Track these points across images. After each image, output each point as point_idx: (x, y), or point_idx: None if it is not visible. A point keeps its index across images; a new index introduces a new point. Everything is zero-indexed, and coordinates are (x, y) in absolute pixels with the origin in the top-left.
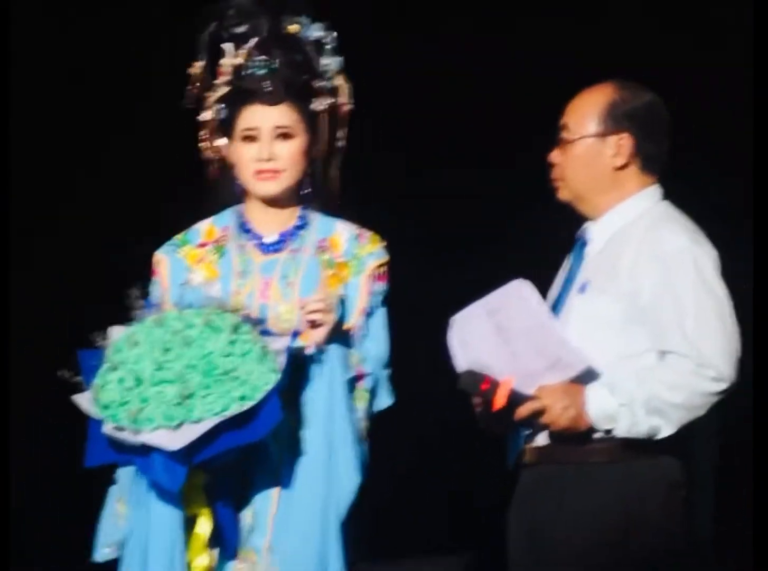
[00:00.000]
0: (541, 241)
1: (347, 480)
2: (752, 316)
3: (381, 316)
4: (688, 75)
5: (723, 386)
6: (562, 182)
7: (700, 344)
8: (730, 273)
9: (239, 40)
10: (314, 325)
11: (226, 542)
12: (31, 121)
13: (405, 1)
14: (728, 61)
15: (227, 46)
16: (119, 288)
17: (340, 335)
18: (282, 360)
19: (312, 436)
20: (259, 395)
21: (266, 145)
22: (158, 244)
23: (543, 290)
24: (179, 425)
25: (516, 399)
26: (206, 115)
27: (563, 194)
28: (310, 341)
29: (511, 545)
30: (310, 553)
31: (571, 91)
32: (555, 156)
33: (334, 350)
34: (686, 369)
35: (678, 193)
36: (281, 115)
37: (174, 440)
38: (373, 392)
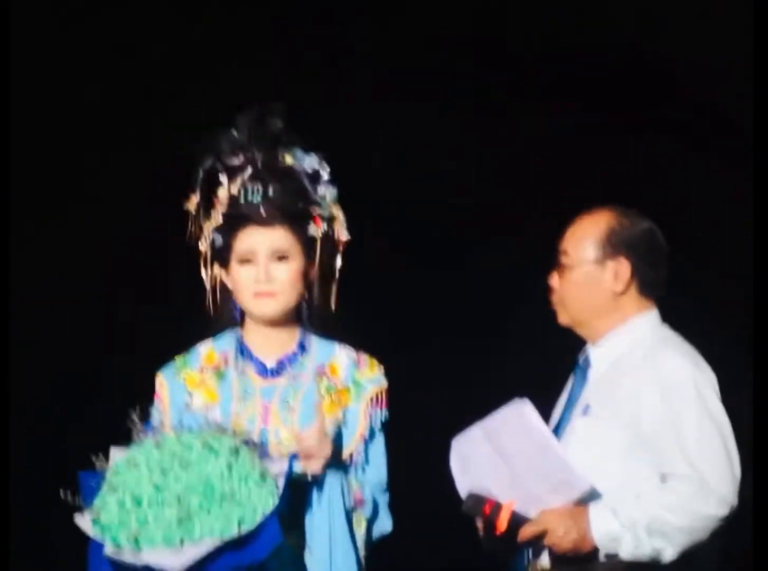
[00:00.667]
0: (541, 363)
1: None
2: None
3: (380, 442)
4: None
5: (725, 510)
6: (561, 307)
7: (703, 468)
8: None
9: (234, 172)
10: (309, 456)
11: None
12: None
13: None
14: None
15: (222, 178)
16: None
17: (338, 462)
18: (281, 483)
19: (314, 562)
20: (257, 519)
21: (264, 267)
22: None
23: (543, 412)
24: (180, 546)
25: (518, 522)
26: (202, 245)
27: (562, 319)
28: (305, 469)
29: None
30: None
31: (569, 213)
32: (554, 281)
33: (333, 477)
34: (689, 493)
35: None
36: (277, 237)
37: (175, 561)
38: (371, 519)
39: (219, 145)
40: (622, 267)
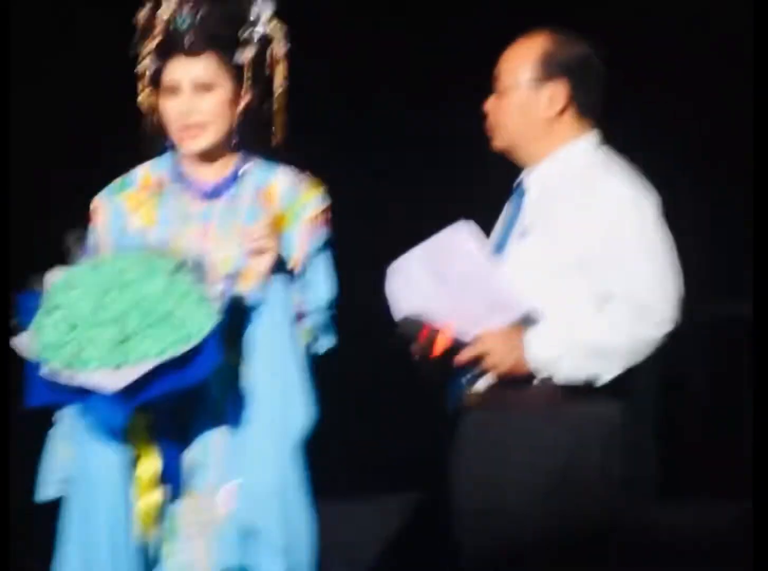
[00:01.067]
0: (481, 190)
1: (303, 413)
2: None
3: (324, 259)
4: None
5: (664, 329)
6: (497, 131)
7: (641, 289)
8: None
9: None
10: (259, 253)
11: (171, 482)
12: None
13: None
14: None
15: None
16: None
17: (281, 273)
18: (221, 302)
19: (258, 372)
20: (197, 338)
21: (186, 100)
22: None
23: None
24: (118, 367)
25: (455, 345)
26: (139, 68)
27: (498, 143)
28: (254, 269)
29: (454, 489)
30: (269, 484)
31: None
32: (490, 105)
33: (275, 288)
34: (628, 314)
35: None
36: (201, 67)
37: (113, 382)
38: (314, 332)
39: None
40: (558, 90)
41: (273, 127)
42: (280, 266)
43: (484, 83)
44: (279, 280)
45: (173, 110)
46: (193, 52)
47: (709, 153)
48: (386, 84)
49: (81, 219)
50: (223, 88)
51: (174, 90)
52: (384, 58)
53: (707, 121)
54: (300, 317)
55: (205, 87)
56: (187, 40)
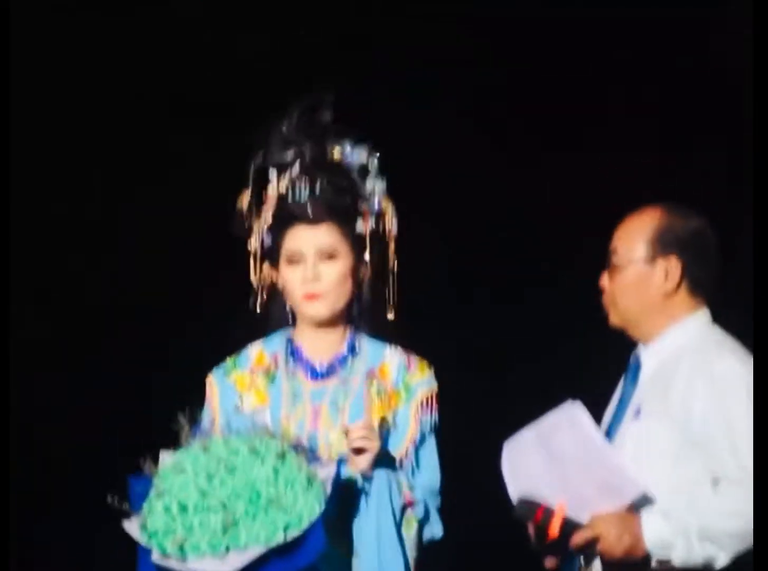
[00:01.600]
0: (594, 366)
1: None
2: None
3: (431, 445)
4: None
5: None
6: (612, 308)
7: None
8: None
9: (283, 168)
10: (358, 451)
11: None
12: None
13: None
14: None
15: (272, 173)
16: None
17: (387, 463)
18: (328, 488)
19: (364, 565)
20: (303, 525)
21: (311, 267)
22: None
23: (595, 415)
24: (226, 553)
25: (570, 527)
26: (253, 243)
27: (614, 319)
28: (354, 467)
29: None
30: None
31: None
32: (605, 281)
33: (382, 478)
34: (740, 497)
35: None
36: (324, 235)
37: (220, 567)
38: (422, 522)
39: (269, 140)
40: (673, 266)
41: (386, 304)
42: (384, 460)
43: (600, 256)
44: (384, 471)
45: (296, 278)
46: (316, 220)
47: None
48: (488, 257)
49: None
50: (346, 258)
51: (297, 259)
52: (488, 233)
53: None
54: (408, 505)
55: (329, 255)
56: (309, 210)
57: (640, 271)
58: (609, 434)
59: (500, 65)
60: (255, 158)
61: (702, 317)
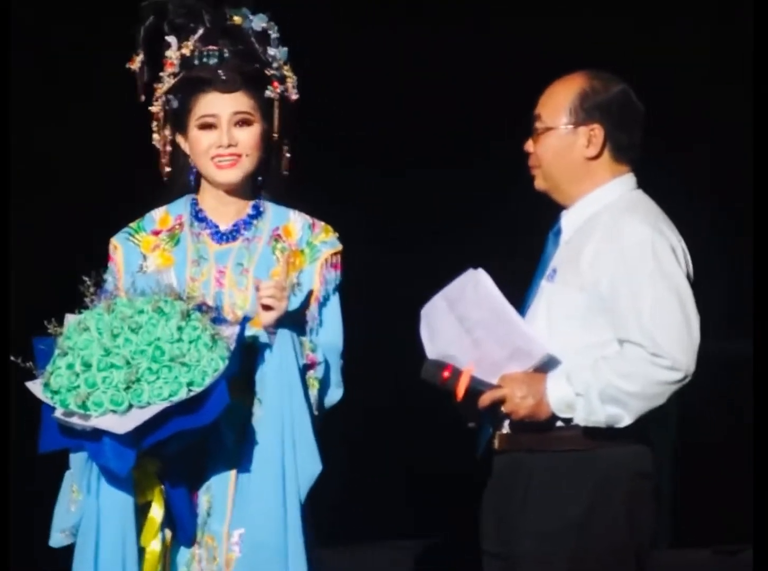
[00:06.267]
0: (519, 230)
1: (309, 464)
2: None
3: (335, 305)
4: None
5: (679, 375)
6: (537, 171)
7: (654, 334)
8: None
9: (182, 33)
10: (266, 308)
11: (182, 527)
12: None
13: None
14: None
15: (171, 39)
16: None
17: (292, 322)
18: (232, 346)
19: (268, 418)
20: (206, 381)
21: (226, 132)
22: (113, 231)
23: (522, 279)
24: (128, 410)
25: (478, 388)
26: (156, 107)
27: (539, 184)
28: (262, 320)
29: (481, 530)
30: (271, 535)
31: (547, 78)
32: (529, 146)
33: (286, 335)
34: (640, 358)
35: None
36: (239, 101)
37: (122, 424)
38: (324, 381)
39: (163, 3)
40: (595, 131)
41: (286, 170)
42: (288, 317)
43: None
44: (288, 329)
45: (209, 142)
46: (231, 87)
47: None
48: (406, 126)
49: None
50: (258, 123)
51: (211, 124)
52: (405, 101)
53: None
54: (311, 365)
55: (243, 121)
56: (223, 76)
57: (563, 137)
58: (527, 296)
59: None
60: (146, 22)
61: (624, 181)
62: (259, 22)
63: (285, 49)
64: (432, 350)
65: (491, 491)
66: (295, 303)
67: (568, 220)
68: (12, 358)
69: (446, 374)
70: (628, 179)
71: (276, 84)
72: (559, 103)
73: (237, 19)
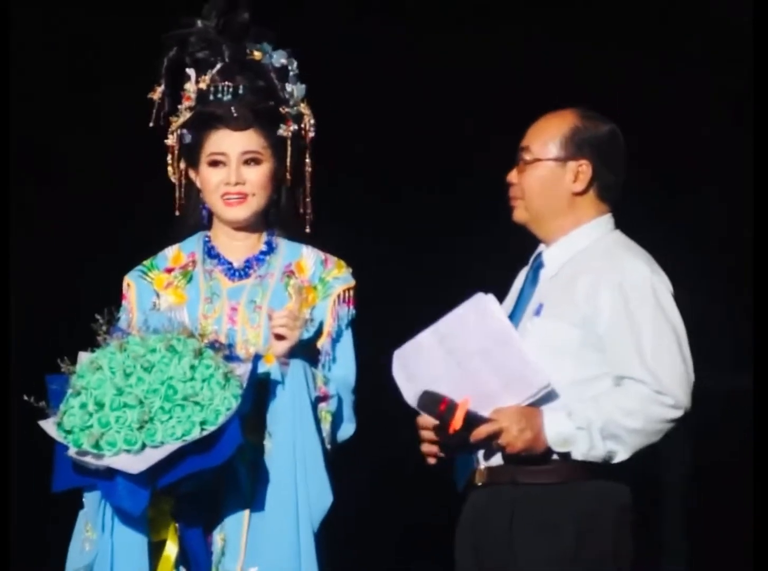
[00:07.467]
0: (496, 262)
1: (320, 498)
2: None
3: (348, 340)
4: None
5: (679, 413)
6: (519, 202)
7: (658, 372)
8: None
9: (202, 66)
10: (279, 337)
11: (197, 565)
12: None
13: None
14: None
15: (191, 71)
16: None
17: (304, 355)
18: (244, 383)
19: (279, 450)
20: (219, 420)
21: (234, 170)
22: (128, 268)
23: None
24: (141, 449)
25: (473, 420)
26: (171, 140)
27: (519, 215)
28: (274, 350)
29: (459, 564)
30: (285, 568)
31: (532, 113)
32: (513, 176)
33: (299, 366)
34: (644, 395)
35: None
36: (249, 140)
37: (136, 464)
38: (336, 415)
39: (185, 36)
40: (584, 168)
41: (302, 208)
42: (301, 352)
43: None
44: (300, 363)
45: (218, 180)
46: (241, 125)
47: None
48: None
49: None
50: (267, 162)
51: (220, 162)
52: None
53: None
54: (323, 398)
55: (252, 160)
56: (234, 113)
57: (551, 169)
58: None
59: None
60: (169, 53)
61: (606, 221)
62: (279, 57)
63: (303, 86)
64: (410, 390)
65: (472, 523)
66: (307, 339)
67: (551, 256)
68: (25, 397)
69: (443, 406)
70: (610, 219)
71: (290, 122)
72: (550, 135)
73: (257, 54)
